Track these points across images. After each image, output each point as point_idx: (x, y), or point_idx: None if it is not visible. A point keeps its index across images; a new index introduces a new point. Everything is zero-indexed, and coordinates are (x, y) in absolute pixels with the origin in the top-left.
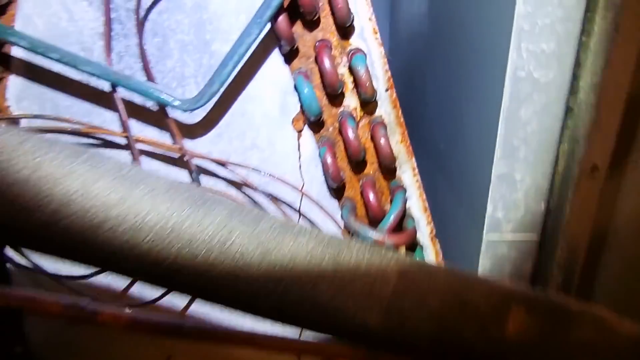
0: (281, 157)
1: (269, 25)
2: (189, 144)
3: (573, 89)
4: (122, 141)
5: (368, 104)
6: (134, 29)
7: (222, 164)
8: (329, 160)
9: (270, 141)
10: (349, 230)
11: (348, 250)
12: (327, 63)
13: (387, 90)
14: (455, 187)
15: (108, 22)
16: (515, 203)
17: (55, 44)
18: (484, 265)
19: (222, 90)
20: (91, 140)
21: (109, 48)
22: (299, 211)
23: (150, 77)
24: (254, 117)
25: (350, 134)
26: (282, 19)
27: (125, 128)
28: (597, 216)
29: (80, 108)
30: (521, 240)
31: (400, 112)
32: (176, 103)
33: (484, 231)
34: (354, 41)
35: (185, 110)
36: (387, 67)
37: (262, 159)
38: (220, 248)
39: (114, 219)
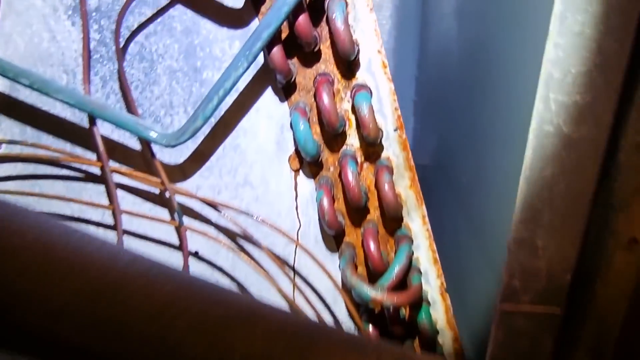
0: (276, 196)
1: (262, 56)
2: (177, 176)
3: (611, 148)
4: (99, 171)
5: (373, 145)
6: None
7: (208, 203)
8: (325, 205)
9: (264, 178)
10: (346, 285)
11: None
12: (326, 101)
13: (395, 130)
14: (476, 232)
15: (86, 45)
16: (536, 272)
17: (32, 67)
18: (497, 336)
19: (211, 123)
20: (68, 172)
21: (87, 73)
22: (293, 268)
23: (131, 107)
24: (247, 152)
25: (351, 178)
26: (277, 50)
27: (100, 158)
28: (634, 294)
29: (64, 132)
30: (541, 313)
31: (410, 154)
32: (156, 137)
33: (499, 299)
34: (361, 75)
35: (166, 146)
36: (396, 104)
37: (255, 196)
38: None
39: None
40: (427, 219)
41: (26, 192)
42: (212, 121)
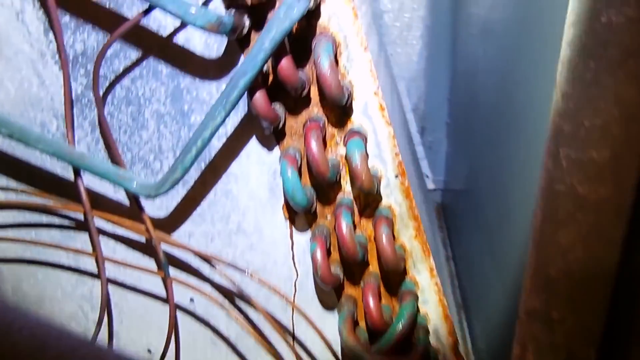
0: (271, 245)
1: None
2: (168, 222)
3: (636, 210)
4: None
5: (370, 195)
6: (106, 97)
7: (198, 254)
8: (319, 259)
9: (257, 226)
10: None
11: None
12: (314, 150)
13: (397, 176)
14: (498, 265)
15: (68, 93)
16: (553, 347)
17: (23, 112)
18: None
19: (200, 168)
20: (59, 220)
21: (70, 121)
22: (292, 333)
23: (114, 153)
24: (239, 198)
25: (345, 232)
26: (259, 96)
27: (82, 203)
28: None
29: (53, 178)
30: None
31: (414, 202)
32: (136, 188)
33: None
34: (356, 118)
35: (146, 197)
36: (397, 150)
37: (249, 244)
38: None
39: None
40: (435, 271)
41: (17, 239)
42: (202, 166)
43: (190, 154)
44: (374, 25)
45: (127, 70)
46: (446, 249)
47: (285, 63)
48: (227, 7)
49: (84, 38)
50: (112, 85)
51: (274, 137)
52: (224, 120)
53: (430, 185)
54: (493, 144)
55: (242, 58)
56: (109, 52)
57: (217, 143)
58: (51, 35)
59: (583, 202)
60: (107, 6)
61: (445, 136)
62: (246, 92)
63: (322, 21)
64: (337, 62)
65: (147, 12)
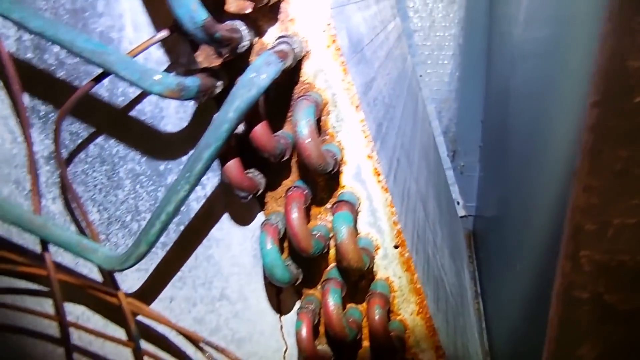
0: (257, 314)
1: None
2: (147, 285)
3: None
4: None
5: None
6: (80, 154)
7: (178, 330)
8: (304, 337)
9: (242, 294)
10: None
11: None
12: (294, 224)
13: (396, 247)
14: (531, 327)
15: (31, 156)
16: None
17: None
18: None
19: (179, 230)
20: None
21: (36, 186)
22: None
23: (83, 216)
24: (221, 263)
25: (332, 312)
26: (232, 165)
27: (45, 263)
28: None
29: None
30: None
31: (416, 275)
32: (99, 261)
33: None
34: (347, 183)
35: (109, 271)
36: (395, 217)
37: (234, 312)
38: None
39: None
40: (442, 350)
41: None
42: (181, 228)
43: (154, 228)
44: (398, 48)
45: (101, 128)
46: (475, 284)
47: (259, 130)
48: (187, 73)
49: (55, 95)
50: (85, 143)
51: (256, 200)
52: (189, 194)
53: (461, 211)
54: (523, 171)
55: None
56: (81, 109)
57: (195, 205)
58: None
59: (612, 313)
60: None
61: (478, 160)
62: (218, 160)
63: (307, 77)
64: (322, 123)
65: (99, 79)
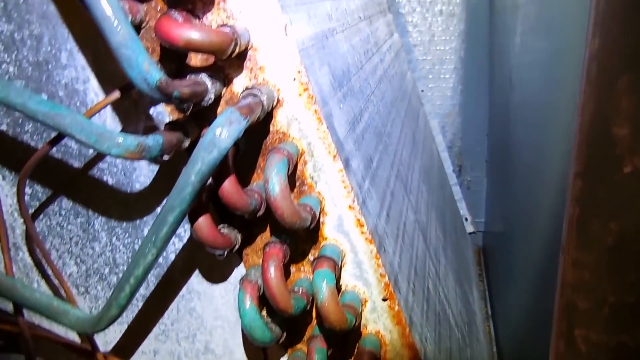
0: None
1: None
2: (129, 336)
3: None
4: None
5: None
6: (54, 207)
7: None
8: None
9: (227, 347)
10: None
11: None
12: (272, 283)
13: (384, 300)
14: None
15: (1, 219)
16: None
17: None
18: None
19: (158, 283)
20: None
21: (6, 245)
22: None
23: (55, 274)
24: (204, 316)
25: None
26: (202, 223)
27: (18, 315)
28: None
29: None
30: None
31: (408, 330)
32: (71, 323)
33: None
34: (330, 235)
35: (82, 334)
36: (382, 270)
37: None
38: None
39: None
40: None
41: None
42: (160, 281)
43: (124, 292)
44: (396, 65)
45: (73, 180)
46: (486, 304)
47: (228, 187)
48: (146, 131)
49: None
50: (58, 196)
51: (236, 253)
52: (157, 258)
53: (470, 228)
54: (526, 186)
55: None
56: (52, 162)
57: (174, 257)
58: None
59: None
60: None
61: (485, 175)
62: (187, 217)
63: (281, 126)
64: (299, 172)
65: (55, 141)
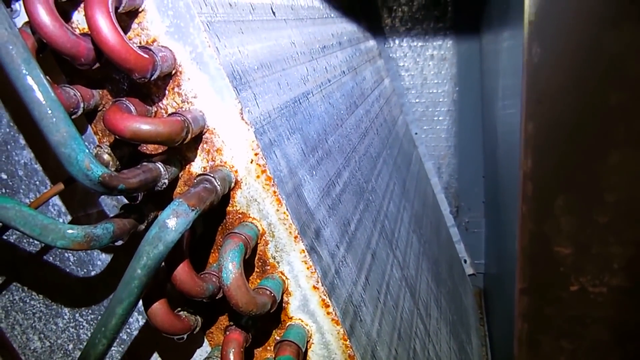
0: None
1: None
2: None
3: None
4: None
5: None
6: (16, 282)
7: None
8: None
9: None
10: None
11: None
12: None
13: None
14: None
15: None
16: None
17: None
18: None
19: None
20: None
21: None
22: None
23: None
24: None
25: None
26: (157, 309)
27: None
28: None
29: None
30: None
31: None
32: None
33: None
34: (295, 315)
35: None
36: (351, 351)
37: None
38: None
39: None
40: None
41: None
42: (123, 356)
43: None
44: (387, 109)
45: (33, 257)
46: (487, 351)
47: (181, 274)
48: (99, 215)
49: None
50: (18, 272)
51: (200, 331)
52: (108, 348)
53: (469, 270)
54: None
55: None
56: (13, 239)
57: (136, 333)
58: None
59: None
60: None
61: (483, 216)
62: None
63: (240, 207)
64: (260, 252)
65: (1, 231)
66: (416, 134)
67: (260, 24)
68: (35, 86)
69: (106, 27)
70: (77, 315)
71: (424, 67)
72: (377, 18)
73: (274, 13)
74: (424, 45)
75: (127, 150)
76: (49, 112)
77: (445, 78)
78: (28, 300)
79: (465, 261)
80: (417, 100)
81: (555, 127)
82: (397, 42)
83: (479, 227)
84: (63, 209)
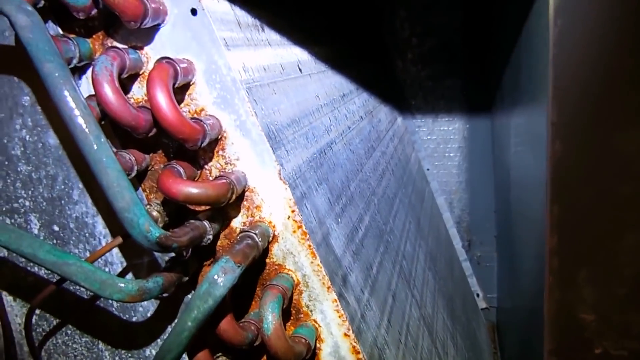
0: None
1: None
2: None
3: None
4: None
5: None
6: (61, 327)
7: None
8: None
9: None
10: None
11: None
12: None
13: None
14: None
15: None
16: None
17: None
18: None
19: None
20: None
21: None
22: None
23: None
24: None
25: None
26: (202, 357)
27: None
28: None
29: None
30: None
31: None
32: None
33: None
34: None
35: None
36: None
37: None
38: None
39: None
40: None
41: None
42: None
43: None
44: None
45: (79, 303)
46: None
47: (225, 326)
48: (150, 265)
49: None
50: (65, 319)
51: None
52: None
53: (482, 304)
54: (529, 263)
55: None
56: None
57: None
58: None
59: None
60: None
61: (495, 250)
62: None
63: (277, 259)
64: (295, 301)
65: (61, 282)
66: (428, 169)
67: (289, 82)
68: (105, 160)
69: (166, 104)
70: (117, 358)
71: (435, 105)
72: (390, 62)
73: (300, 70)
74: (435, 85)
75: (174, 207)
76: (115, 182)
77: (456, 116)
78: (71, 344)
79: (478, 295)
80: (428, 137)
81: (577, 211)
82: (408, 82)
83: (491, 261)
84: (110, 258)
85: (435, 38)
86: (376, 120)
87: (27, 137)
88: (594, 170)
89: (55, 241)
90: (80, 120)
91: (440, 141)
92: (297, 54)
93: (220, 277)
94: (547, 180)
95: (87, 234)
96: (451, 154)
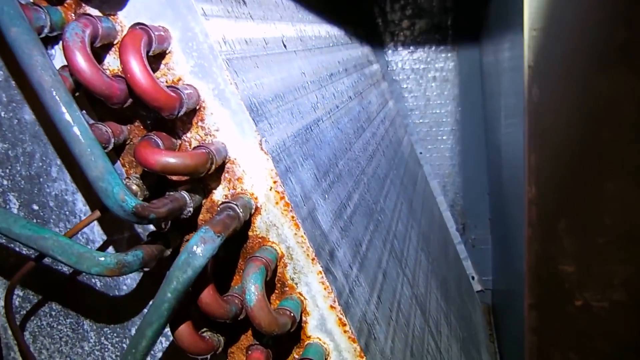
0: None
1: None
2: None
3: None
4: None
5: None
6: (44, 308)
7: None
8: None
9: None
10: None
11: None
12: None
13: None
14: None
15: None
16: None
17: None
18: None
19: None
20: None
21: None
22: None
23: None
24: None
25: None
26: (183, 331)
27: None
28: None
29: None
30: None
31: None
32: None
33: None
34: (314, 333)
35: None
36: None
37: None
38: None
39: None
40: None
41: None
42: None
43: None
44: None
45: (63, 283)
46: None
47: (206, 297)
48: (131, 239)
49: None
50: (48, 299)
51: (222, 351)
52: None
53: (477, 286)
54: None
55: None
56: (42, 267)
57: (160, 355)
58: None
59: None
60: None
61: (490, 232)
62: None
63: (260, 231)
64: (279, 275)
65: (40, 258)
66: (421, 153)
67: (273, 57)
68: (76, 127)
69: (139, 71)
70: (103, 338)
71: (427, 88)
72: (380, 43)
73: (285, 46)
74: (427, 68)
75: (154, 180)
76: (88, 150)
77: (448, 99)
78: (55, 325)
79: (473, 278)
80: (420, 121)
81: (555, 159)
82: (400, 65)
83: (486, 243)
84: (91, 236)
85: (426, 19)
86: (366, 101)
87: (2, 113)
88: (572, 116)
89: (35, 220)
90: (49, 85)
91: (432, 124)
92: (281, 30)
93: (199, 247)
94: (524, 129)
95: (67, 212)
96: (444, 137)
